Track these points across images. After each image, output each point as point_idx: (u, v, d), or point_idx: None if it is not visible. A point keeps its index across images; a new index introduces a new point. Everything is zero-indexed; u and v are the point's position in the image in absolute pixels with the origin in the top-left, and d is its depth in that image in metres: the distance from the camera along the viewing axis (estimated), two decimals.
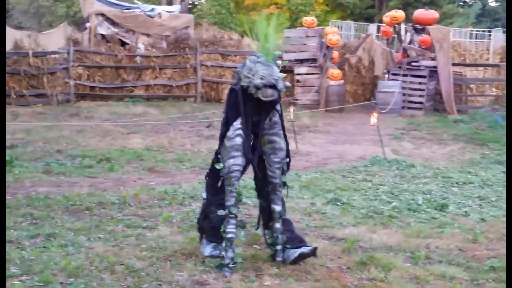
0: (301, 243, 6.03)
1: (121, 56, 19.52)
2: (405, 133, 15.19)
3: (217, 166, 5.81)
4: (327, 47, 19.21)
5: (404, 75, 18.65)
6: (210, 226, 6.04)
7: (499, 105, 19.78)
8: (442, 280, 5.68)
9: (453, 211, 8.16)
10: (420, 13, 19.40)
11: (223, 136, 5.86)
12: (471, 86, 20.41)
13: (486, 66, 21.03)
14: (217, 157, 5.97)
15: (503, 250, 6.61)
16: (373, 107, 13.14)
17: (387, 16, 19.35)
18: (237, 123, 5.74)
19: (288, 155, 6.02)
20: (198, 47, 19.72)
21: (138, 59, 19.78)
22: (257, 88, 5.60)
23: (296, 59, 19.42)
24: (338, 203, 8.31)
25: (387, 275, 5.71)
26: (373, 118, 11.71)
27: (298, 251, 5.89)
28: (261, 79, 5.59)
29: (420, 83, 18.62)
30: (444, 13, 32.43)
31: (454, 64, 19.65)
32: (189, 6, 35.94)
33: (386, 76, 19.04)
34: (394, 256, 6.28)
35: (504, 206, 8.52)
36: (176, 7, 24.70)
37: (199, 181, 9.37)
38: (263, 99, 5.65)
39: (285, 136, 5.98)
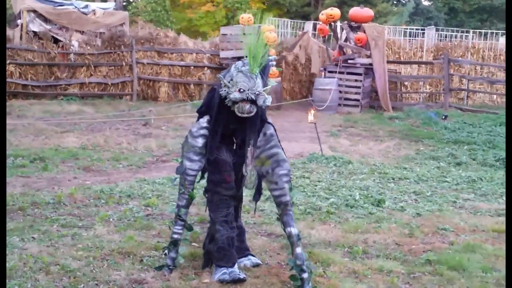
0: (246, 250, 5.79)
1: (54, 54, 19.10)
2: (342, 130, 15.33)
3: (177, 162, 5.60)
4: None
5: (340, 72, 18.83)
6: (217, 248, 5.47)
7: (432, 102, 20.22)
8: (379, 274, 5.74)
9: (390, 206, 8.26)
10: (355, 11, 19.62)
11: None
12: (406, 83, 20.78)
13: (420, 63, 21.43)
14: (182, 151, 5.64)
15: (438, 244, 6.75)
16: (310, 105, 13.19)
17: (323, 14, 19.50)
18: (203, 121, 5.39)
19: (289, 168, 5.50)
20: (133, 44, 19.47)
21: (72, 56, 19.40)
22: (234, 102, 5.16)
23: (233, 56, 19.37)
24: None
25: (326, 270, 5.74)
26: (310, 116, 11.75)
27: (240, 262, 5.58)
28: (239, 91, 5.14)
29: (356, 80, 18.83)
30: (379, 11, 32.94)
31: (389, 62, 19.96)
32: (124, 3, 35.53)
33: (323, 73, 19.19)
34: (332, 252, 6.31)
35: (438, 200, 8.70)
36: (110, 4, 24.31)
37: (137, 179, 9.25)
38: (239, 114, 5.21)
39: (281, 148, 5.48)
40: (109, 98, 18.99)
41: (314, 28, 22.43)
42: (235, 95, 5.14)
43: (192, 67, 20.04)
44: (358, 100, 18.70)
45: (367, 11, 19.73)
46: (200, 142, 5.36)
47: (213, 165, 5.47)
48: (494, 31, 24.24)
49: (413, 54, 22.00)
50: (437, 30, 24.74)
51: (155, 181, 9.12)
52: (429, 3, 46.00)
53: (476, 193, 9.24)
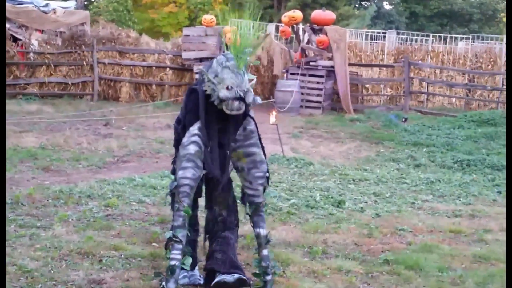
0: (232, 268, 5.27)
1: (13, 53, 18.86)
2: (304, 131, 15.41)
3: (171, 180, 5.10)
4: (227, 46, 19.21)
5: (303, 74, 18.92)
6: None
7: (393, 105, 20.44)
8: (338, 274, 5.79)
9: (350, 207, 8.33)
10: (317, 13, 19.74)
11: (177, 143, 5.18)
12: (367, 85, 20.97)
13: (381, 66, 21.63)
14: (174, 168, 5.28)
15: (396, 244, 6.83)
16: (272, 106, 13.21)
17: (285, 16, 19.58)
18: (194, 129, 4.96)
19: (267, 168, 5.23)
20: (94, 44, 19.31)
21: (31, 55, 19.16)
22: (221, 100, 4.84)
23: (196, 57, 19.35)
24: (238, 201, 8.31)
25: (286, 270, 5.76)
26: (272, 117, 11.78)
27: (221, 278, 5.19)
28: (228, 89, 4.82)
29: (318, 82, 18.94)
30: (341, 14, 33.18)
31: (350, 64, 20.12)
32: (85, 2, 35.21)
33: (285, 75, 19.26)
34: (292, 252, 6.35)
35: (397, 201, 8.80)
36: (71, 3, 24.10)
37: (97, 180, 9.17)
38: (227, 112, 4.87)
39: (261, 146, 5.21)
40: (69, 98, 18.81)
41: (277, 30, 22.49)
42: (223, 93, 4.82)
43: (154, 68, 19.96)
44: (319, 102, 18.81)
45: (329, 14, 19.87)
46: (191, 148, 4.92)
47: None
48: (454, 35, 24.61)
49: (374, 57, 22.20)
50: (398, 33, 25.04)
51: (115, 182, 9.06)
52: (391, 7, 46.49)
53: (434, 195, 9.36)
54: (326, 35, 19.08)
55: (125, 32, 20.97)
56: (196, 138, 4.95)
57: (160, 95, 19.85)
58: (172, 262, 4.82)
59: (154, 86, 19.95)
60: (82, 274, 5.39)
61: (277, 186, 9.27)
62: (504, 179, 10.57)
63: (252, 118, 5.15)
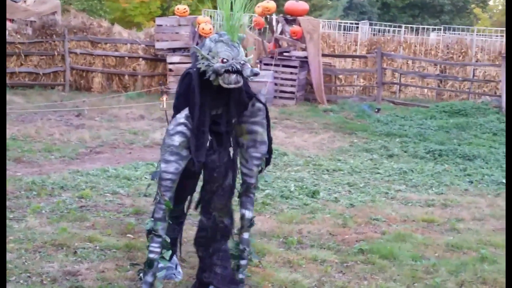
0: (231, 284, 4.98)
1: None
2: (277, 122, 15.41)
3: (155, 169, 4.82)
4: (200, 36, 19.16)
5: (276, 65, 18.91)
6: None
7: (366, 95, 20.54)
8: (313, 264, 5.82)
9: (324, 197, 8.37)
10: (291, 4, 19.73)
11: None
12: (340, 76, 21.04)
13: (354, 57, 21.73)
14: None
15: (370, 234, 6.88)
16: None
17: (259, 7, 19.52)
18: (181, 117, 4.62)
19: (270, 149, 5.01)
20: (66, 34, 19.11)
21: None
22: (217, 73, 4.54)
23: (169, 48, 19.26)
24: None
25: (261, 260, 5.77)
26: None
27: None
28: (223, 62, 4.54)
29: (291, 73, 18.96)
30: (314, 5, 33.28)
31: (323, 55, 20.16)
32: None
33: (258, 65, 19.24)
34: (267, 242, 6.36)
35: (371, 191, 8.86)
36: None
37: (70, 171, 9.10)
38: (225, 86, 4.55)
39: (268, 127, 4.96)
40: (40, 88, 18.62)
41: (250, 20, 22.43)
42: (218, 65, 4.52)
43: (126, 58, 19.80)
44: (293, 93, 18.84)
45: (303, 5, 19.87)
46: (176, 140, 4.60)
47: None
48: (426, 26, 24.79)
49: (347, 47, 22.30)
50: (370, 24, 25.15)
51: (88, 173, 9.00)
52: None
53: (407, 184, 9.44)
54: (300, 25, 19.09)
55: (96, 21, 20.79)
56: (181, 128, 4.61)
57: (133, 85, 19.71)
58: (151, 255, 4.67)
59: (126, 77, 19.79)
60: (57, 266, 5.35)
61: None
62: (475, 168, 10.71)
63: (261, 101, 4.86)
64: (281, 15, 20.10)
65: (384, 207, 8.05)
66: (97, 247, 5.86)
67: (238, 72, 4.54)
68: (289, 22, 19.48)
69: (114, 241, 6.05)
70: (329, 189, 8.87)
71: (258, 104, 4.86)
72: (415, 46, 22.04)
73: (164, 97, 12.38)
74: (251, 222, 5.07)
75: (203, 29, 18.88)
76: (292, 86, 18.90)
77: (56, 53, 19.19)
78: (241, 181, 5.00)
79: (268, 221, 7.11)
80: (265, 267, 5.62)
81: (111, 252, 5.77)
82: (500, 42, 22.16)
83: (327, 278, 5.41)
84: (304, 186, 8.78)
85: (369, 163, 10.89)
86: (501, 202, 8.57)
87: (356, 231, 6.94)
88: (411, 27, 23.57)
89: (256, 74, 4.60)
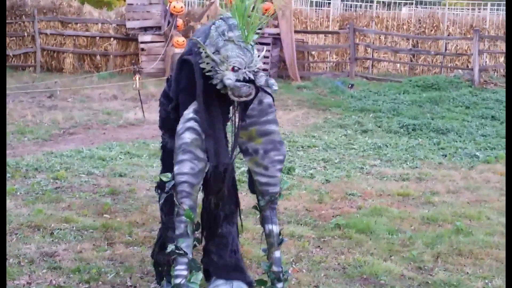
0: (233, 272, 4.47)
1: None
2: None
3: (163, 178, 4.13)
4: (171, 14, 19.02)
5: None
6: (168, 261, 4.35)
7: (339, 71, 20.57)
8: (291, 239, 5.85)
9: (300, 173, 8.40)
10: None
11: (165, 122, 4.41)
12: (313, 53, 21.03)
13: (326, 33, 21.69)
14: (163, 158, 4.50)
15: (346, 208, 6.93)
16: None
17: None
18: (189, 112, 4.03)
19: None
20: (35, 14, 18.86)
21: None
22: (227, 87, 3.87)
23: (140, 27, 19.08)
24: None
25: (239, 237, 5.78)
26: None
27: (215, 285, 4.41)
28: (234, 70, 3.86)
29: (263, 50, 18.86)
30: None
31: (296, 32, 20.11)
32: None
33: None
34: (245, 219, 6.34)
35: (346, 167, 8.90)
36: None
37: (43, 152, 9.03)
38: (235, 99, 3.93)
39: None
40: (11, 70, 18.37)
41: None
42: (230, 77, 3.85)
43: (97, 38, 19.59)
44: (266, 70, 18.79)
45: None
46: (187, 137, 4.00)
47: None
48: (397, 1, 24.82)
49: (320, 24, 22.26)
50: (342, 0, 25.11)
51: (62, 154, 8.94)
52: None
53: (382, 159, 9.51)
54: (271, 2, 19.01)
55: (66, 1, 20.50)
56: (192, 124, 4.01)
57: (105, 65, 19.52)
58: (177, 281, 3.95)
59: (98, 57, 19.60)
60: (34, 247, 5.32)
61: None
62: (449, 142, 10.80)
63: (267, 92, 4.19)
64: None
65: (359, 182, 8.10)
66: (74, 228, 5.84)
67: (252, 82, 3.88)
68: None
69: (91, 221, 6.03)
70: (305, 165, 8.90)
71: (267, 100, 4.18)
72: (387, 21, 22.06)
73: (137, 77, 12.38)
74: (281, 239, 4.34)
75: (174, 7, 18.75)
76: (265, 63, 18.84)
77: (26, 34, 18.97)
78: (259, 194, 4.27)
79: (244, 198, 7.09)
80: (242, 244, 5.62)
81: (88, 232, 5.76)
82: (471, 15, 22.28)
83: (304, 253, 5.45)
84: None
85: (344, 138, 10.93)
86: (475, 174, 8.68)
87: (332, 207, 6.98)
88: (383, 2, 23.59)
89: (271, 87, 3.91)
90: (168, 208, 4.31)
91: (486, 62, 20.00)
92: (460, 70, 18.95)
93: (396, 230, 6.16)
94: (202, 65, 3.96)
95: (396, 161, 9.43)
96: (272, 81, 3.89)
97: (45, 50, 19.18)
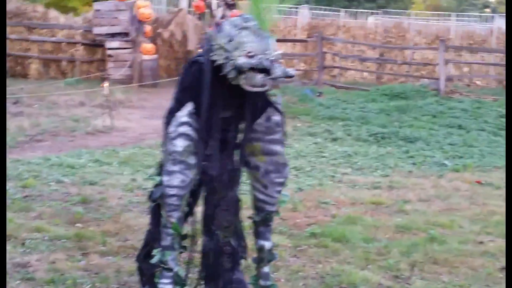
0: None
1: None
2: None
3: (152, 181, 3.99)
4: (139, 21, 18.90)
5: None
6: (152, 270, 4.08)
7: (307, 79, 20.64)
8: None
9: None
10: None
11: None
12: (281, 60, 21.02)
13: (294, 41, 21.78)
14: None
15: (321, 217, 6.91)
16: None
17: None
18: (182, 115, 3.73)
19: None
20: None
21: None
22: (240, 71, 3.53)
23: (107, 33, 18.92)
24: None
25: None
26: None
27: None
28: (249, 56, 3.52)
29: None
30: None
31: None
32: None
33: (199, 51, 19.08)
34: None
35: (318, 175, 8.90)
36: None
37: (10, 160, 8.85)
38: (248, 88, 3.59)
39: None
40: None
41: (190, 4, 22.25)
42: (243, 60, 3.50)
43: (64, 43, 19.37)
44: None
45: None
46: (179, 145, 3.72)
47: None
48: (363, 10, 25.05)
49: (288, 32, 22.34)
50: (310, 9, 25.24)
51: (30, 161, 8.79)
52: None
53: (353, 167, 9.53)
54: (241, 10, 19.00)
55: (32, 6, 20.27)
56: (185, 129, 3.72)
57: (71, 71, 19.31)
58: None
59: (64, 63, 19.38)
60: (6, 257, 5.19)
61: None
62: (417, 150, 10.89)
63: (277, 109, 3.97)
64: None
65: (332, 190, 8.10)
66: (46, 238, 5.71)
67: (266, 71, 3.53)
68: (230, 6, 19.37)
69: (63, 231, 5.91)
70: None
71: (275, 118, 3.95)
72: (354, 30, 22.23)
73: (106, 84, 12.28)
74: (272, 255, 4.26)
75: (142, 13, 18.65)
76: None
77: None
78: (255, 209, 4.19)
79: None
80: None
81: (61, 242, 5.63)
82: (436, 26, 22.57)
83: (282, 262, 5.41)
84: None
85: (314, 147, 10.95)
86: (444, 183, 8.75)
87: (307, 215, 6.95)
88: (350, 11, 23.77)
89: (290, 76, 3.64)
90: (154, 217, 4.06)
91: (450, 71, 20.26)
92: (426, 80, 19.17)
93: (371, 239, 6.15)
94: (214, 56, 3.62)
95: (367, 169, 9.46)
96: (290, 70, 3.62)
97: (10, 55, 18.89)
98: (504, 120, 13.67)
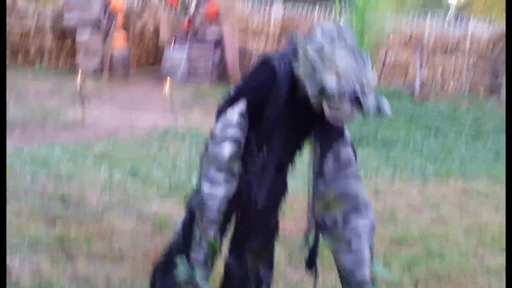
0: None
1: None
2: (193, 102, 15.02)
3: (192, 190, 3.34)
4: (111, 11, 18.43)
5: (190, 44, 18.46)
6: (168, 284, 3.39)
7: None
8: None
9: None
10: None
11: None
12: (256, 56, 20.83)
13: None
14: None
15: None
16: (163, 76, 12.84)
17: None
18: (233, 112, 3.25)
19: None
20: None
21: None
22: (324, 93, 2.91)
23: (78, 22, 18.38)
24: (138, 176, 7.91)
25: None
26: (166, 87, 11.51)
27: None
28: (337, 76, 2.86)
29: (206, 52, 18.55)
30: None
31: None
32: None
33: (172, 44, 18.74)
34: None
35: (305, 178, 8.64)
36: None
37: None
38: (329, 119, 3.00)
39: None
40: None
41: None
42: (331, 80, 2.86)
43: (32, 32, 18.79)
44: (208, 73, 18.44)
45: None
46: (226, 150, 3.18)
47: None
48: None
49: (262, 28, 22.05)
50: (284, 2, 24.98)
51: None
52: None
53: None
54: (215, 4, 18.71)
55: None
56: (234, 132, 3.19)
57: (40, 60, 18.74)
58: None
59: (33, 51, 18.80)
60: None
61: (175, 160, 8.89)
62: (397, 153, 10.76)
63: (345, 138, 3.37)
64: None
65: None
66: (27, 238, 5.35)
67: (357, 100, 2.91)
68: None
69: (44, 231, 5.56)
70: None
71: (345, 153, 3.33)
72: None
73: (79, 75, 11.86)
74: None
75: (114, 4, 18.20)
76: (207, 65, 18.51)
77: None
78: (343, 282, 3.39)
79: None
80: None
81: (43, 244, 5.28)
82: (410, 26, 22.51)
83: (279, 275, 5.16)
84: None
85: None
86: (431, 189, 8.61)
87: (297, 222, 6.69)
88: (324, 6, 23.59)
89: (383, 110, 3.02)
90: (185, 228, 3.35)
91: (425, 73, 20.23)
92: (400, 82, 19.11)
93: None
94: (296, 66, 3.02)
95: None
96: (385, 103, 3.02)
97: None
98: (480, 124, 13.69)
